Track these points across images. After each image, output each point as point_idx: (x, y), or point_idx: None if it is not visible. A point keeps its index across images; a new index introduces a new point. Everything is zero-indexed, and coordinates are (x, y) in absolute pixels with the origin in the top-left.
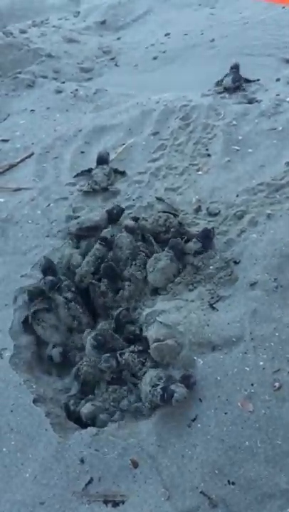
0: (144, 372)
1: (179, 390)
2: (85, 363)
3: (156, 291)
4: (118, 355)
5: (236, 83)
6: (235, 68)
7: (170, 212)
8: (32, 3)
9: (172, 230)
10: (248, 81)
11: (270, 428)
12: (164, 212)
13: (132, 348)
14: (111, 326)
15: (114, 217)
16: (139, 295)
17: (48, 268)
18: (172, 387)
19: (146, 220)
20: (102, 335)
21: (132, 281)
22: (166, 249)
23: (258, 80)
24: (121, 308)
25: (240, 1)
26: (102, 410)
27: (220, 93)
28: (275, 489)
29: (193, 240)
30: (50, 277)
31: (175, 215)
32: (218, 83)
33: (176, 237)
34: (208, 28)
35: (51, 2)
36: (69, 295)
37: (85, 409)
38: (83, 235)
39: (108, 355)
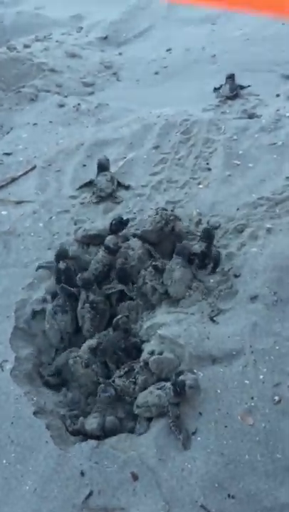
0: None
1: (188, 377)
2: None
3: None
4: (112, 382)
5: (234, 91)
6: (231, 78)
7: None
8: (36, 19)
9: (170, 224)
10: (242, 87)
11: (270, 442)
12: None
13: (119, 372)
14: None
15: (115, 230)
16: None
17: (61, 255)
18: (181, 377)
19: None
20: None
21: (142, 293)
22: (174, 255)
23: (249, 85)
24: (120, 316)
25: (241, 17)
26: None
27: (220, 101)
28: (275, 503)
29: (197, 242)
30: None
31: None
32: (216, 90)
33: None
34: (209, 44)
35: (54, 18)
36: (91, 296)
37: (91, 424)
38: (89, 242)
39: (104, 384)
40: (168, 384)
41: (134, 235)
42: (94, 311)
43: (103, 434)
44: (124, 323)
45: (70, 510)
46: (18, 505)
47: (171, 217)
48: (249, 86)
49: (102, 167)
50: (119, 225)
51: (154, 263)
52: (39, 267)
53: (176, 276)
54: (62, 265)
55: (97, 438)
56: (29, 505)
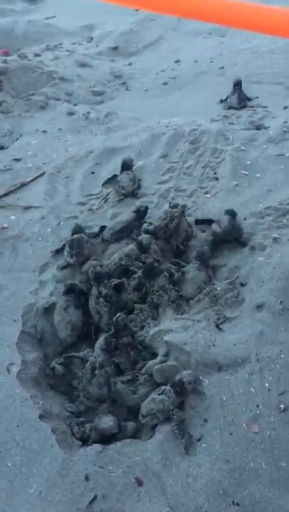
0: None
1: (183, 374)
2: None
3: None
4: (112, 382)
5: (242, 103)
6: (238, 85)
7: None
8: (46, 28)
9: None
10: (249, 99)
11: (275, 450)
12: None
13: (122, 377)
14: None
15: (141, 215)
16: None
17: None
18: (176, 378)
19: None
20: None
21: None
22: (193, 260)
23: (257, 97)
24: (120, 313)
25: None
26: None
27: (227, 110)
28: (280, 511)
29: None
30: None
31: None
32: (222, 101)
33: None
34: (217, 56)
35: (65, 28)
36: (103, 290)
37: (104, 423)
38: (118, 237)
39: (102, 380)
40: (167, 387)
41: (146, 231)
42: (110, 304)
43: (119, 431)
44: (123, 319)
45: None
46: (22, 509)
47: (176, 214)
48: (257, 98)
49: (126, 166)
50: (144, 213)
51: (171, 270)
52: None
53: (190, 276)
54: (76, 236)
55: (110, 438)
56: (33, 508)
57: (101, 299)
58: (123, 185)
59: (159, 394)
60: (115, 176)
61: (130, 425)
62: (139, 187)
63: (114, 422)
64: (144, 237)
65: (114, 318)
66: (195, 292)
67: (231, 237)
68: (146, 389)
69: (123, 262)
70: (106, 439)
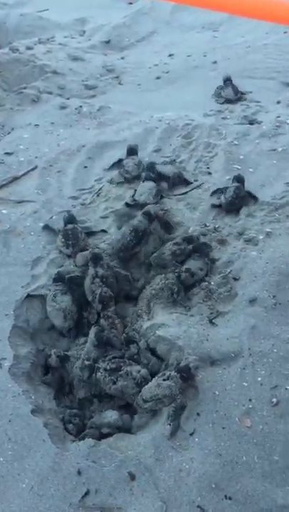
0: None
1: (189, 360)
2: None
3: None
4: (95, 368)
5: (238, 94)
6: (229, 80)
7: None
8: (39, 21)
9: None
10: (242, 93)
11: (267, 443)
12: None
13: (106, 364)
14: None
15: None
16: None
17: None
18: (181, 364)
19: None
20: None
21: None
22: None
23: (251, 92)
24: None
25: (242, 25)
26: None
27: (222, 103)
28: (272, 505)
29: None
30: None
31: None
32: (218, 95)
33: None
34: (211, 51)
35: (57, 21)
36: (100, 270)
37: (111, 416)
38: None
39: (87, 363)
40: (172, 373)
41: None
42: (104, 285)
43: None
44: (106, 292)
45: (66, 509)
46: (14, 504)
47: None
48: (251, 92)
49: (132, 151)
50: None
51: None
52: (45, 227)
53: (185, 266)
54: (70, 226)
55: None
56: (26, 503)
57: (97, 279)
58: (128, 170)
59: (164, 380)
60: (120, 160)
61: (125, 418)
62: (143, 171)
63: (118, 415)
64: (153, 207)
65: (99, 292)
66: (192, 281)
67: (237, 206)
68: (124, 382)
69: (132, 236)
70: (105, 435)
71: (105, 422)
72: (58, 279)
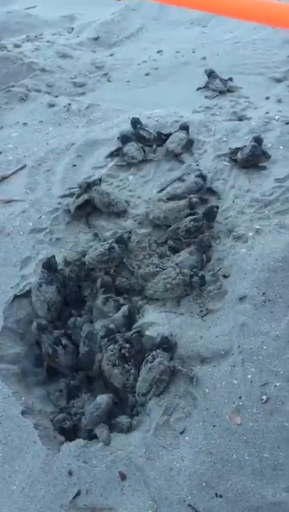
0: None
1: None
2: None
3: None
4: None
5: (227, 85)
6: (214, 72)
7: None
8: (26, 19)
9: None
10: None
11: (257, 441)
12: None
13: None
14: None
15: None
16: None
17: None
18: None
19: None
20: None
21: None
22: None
23: (241, 88)
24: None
25: (231, 21)
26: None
27: (214, 97)
28: (262, 502)
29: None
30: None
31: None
32: (200, 89)
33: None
34: (199, 47)
35: (45, 18)
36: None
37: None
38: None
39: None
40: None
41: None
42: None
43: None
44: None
45: (57, 510)
46: (5, 505)
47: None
48: (241, 88)
49: (126, 139)
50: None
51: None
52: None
53: (178, 259)
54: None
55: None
56: (17, 504)
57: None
58: (132, 155)
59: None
60: (119, 149)
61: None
62: (146, 156)
63: (109, 397)
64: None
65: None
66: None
67: (252, 163)
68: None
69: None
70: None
71: (97, 402)
72: (46, 265)
